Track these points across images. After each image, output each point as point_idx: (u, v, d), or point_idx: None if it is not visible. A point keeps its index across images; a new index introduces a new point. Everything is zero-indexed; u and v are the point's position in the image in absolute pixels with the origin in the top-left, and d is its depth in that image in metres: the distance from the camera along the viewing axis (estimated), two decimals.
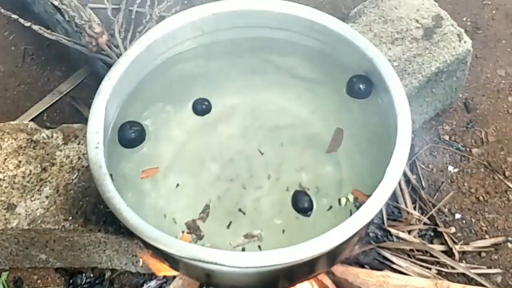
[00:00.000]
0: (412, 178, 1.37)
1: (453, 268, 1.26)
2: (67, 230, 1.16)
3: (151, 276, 1.25)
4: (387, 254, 1.25)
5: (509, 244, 1.32)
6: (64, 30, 1.47)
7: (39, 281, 1.31)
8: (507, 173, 1.39)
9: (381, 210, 1.13)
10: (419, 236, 1.30)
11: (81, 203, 1.18)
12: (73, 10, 1.37)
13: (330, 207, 0.98)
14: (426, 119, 1.45)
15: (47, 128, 1.28)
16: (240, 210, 1.00)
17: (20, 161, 1.22)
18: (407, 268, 1.24)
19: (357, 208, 0.92)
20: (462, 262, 1.29)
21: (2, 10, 1.40)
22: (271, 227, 0.98)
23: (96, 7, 1.49)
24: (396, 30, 1.34)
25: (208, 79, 1.11)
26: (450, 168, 1.41)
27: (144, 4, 1.41)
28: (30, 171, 1.21)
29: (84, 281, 1.30)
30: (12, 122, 1.29)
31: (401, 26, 1.34)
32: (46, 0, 1.50)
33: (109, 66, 1.03)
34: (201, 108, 1.08)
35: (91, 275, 1.31)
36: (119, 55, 1.27)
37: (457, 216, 1.35)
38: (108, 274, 1.30)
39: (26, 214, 1.17)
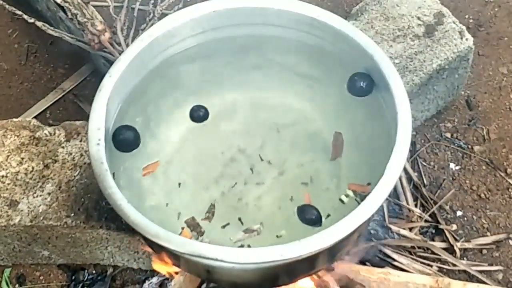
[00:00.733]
0: (414, 175, 1.38)
1: (454, 265, 1.26)
2: (69, 227, 1.17)
3: (153, 272, 1.26)
4: (388, 251, 1.24)
5: (510, 242, 1.31)
6: (67, 27, 1.47)
7: (41, 278, 1.32)
8: (508, 171, 1.39)
9: (381, 207, 1.13)
10: (420, 233, 1.30)
11: (83, 199, 1.18)
12: (76, 7, 1.38)
13: (328, 215, 0.98)
14: (427, 117, 1.45)
15: (50, 125, 1.29)
16: (241, 207, 1.01)
17: (22, 158, 1.23)
18: (408, 265, 1.24)
19: (361, 200, 0.92)
20: (463, 259, 1.29)
21: (7, 6, 1.41)
22: (272, 223, 0.98)
23: (99, 4, 1.50)
24: (398, 27, 1.34)
25: (209, 76, 1.12)
26: (452, 165, 1.41)
27: (146, 1, 1.42)
28: (33, 168, 1.21)
29: (86, 277, 1.30)
30: (14, 119, 1.29)
31: (403, 24, 1.34)
32: None
33: (111, 63, 1.03)
34: (198, 115, 1.09)
35: (93, 271, 1.31)
36: (121, 53, 1.27)
37: (459, 213, 1.35)
38: (110, 270, 1.31)
39: (28, 210, 1.17)
